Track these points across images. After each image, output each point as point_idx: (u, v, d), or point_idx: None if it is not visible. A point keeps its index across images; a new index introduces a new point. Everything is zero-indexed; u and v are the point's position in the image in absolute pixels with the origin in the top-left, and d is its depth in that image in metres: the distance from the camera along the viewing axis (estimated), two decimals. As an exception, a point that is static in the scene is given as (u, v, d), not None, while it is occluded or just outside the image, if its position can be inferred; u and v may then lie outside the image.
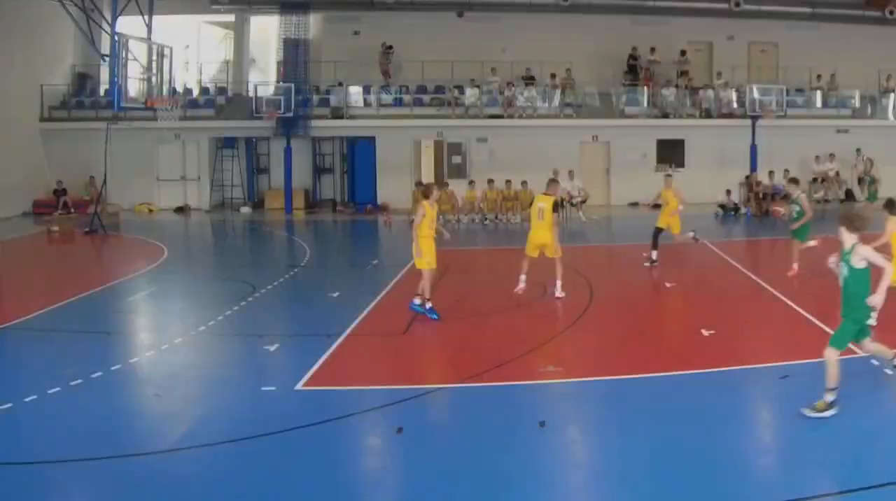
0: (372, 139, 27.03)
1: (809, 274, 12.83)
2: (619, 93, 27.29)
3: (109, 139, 22.15)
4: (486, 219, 23.37)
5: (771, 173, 24.62)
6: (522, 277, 12.33)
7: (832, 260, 7.39)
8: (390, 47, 27.58)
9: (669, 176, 16.48)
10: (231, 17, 28.58)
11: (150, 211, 26.84)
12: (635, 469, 6.30)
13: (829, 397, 7.00)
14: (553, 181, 13.33)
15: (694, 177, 26.79)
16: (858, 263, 7.10)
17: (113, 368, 8.89)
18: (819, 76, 27.41)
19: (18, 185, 25.17)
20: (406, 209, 23.84)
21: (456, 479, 6.24)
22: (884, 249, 8.95)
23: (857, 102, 27.23)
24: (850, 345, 9.14)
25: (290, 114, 25.60)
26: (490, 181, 23.85)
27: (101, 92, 26.44)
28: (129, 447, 6.17)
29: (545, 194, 12.38)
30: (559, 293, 12.21)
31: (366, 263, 14.07)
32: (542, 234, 12.11)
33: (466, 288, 13.53)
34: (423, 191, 12.14)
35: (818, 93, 27.38)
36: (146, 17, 19.74)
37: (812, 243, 13.40)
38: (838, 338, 7.19)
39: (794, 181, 14.59)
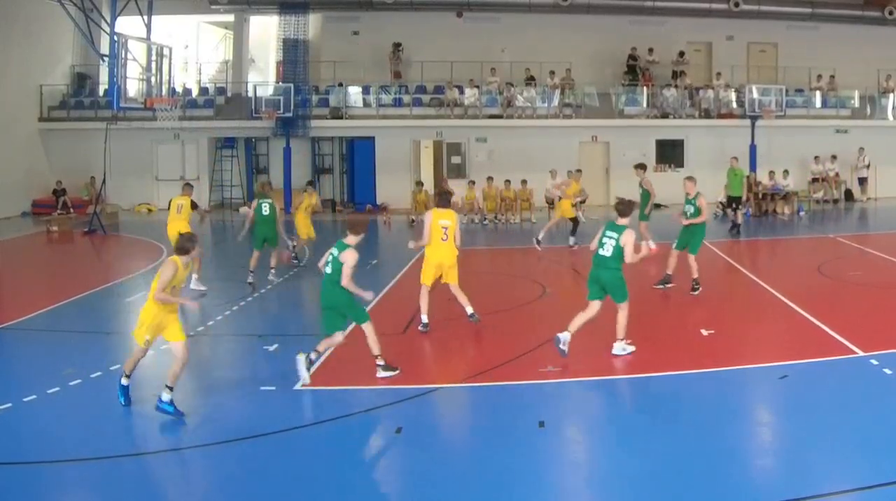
0: (371, 139, 27.02)
1: (809, 275, 12.84)
2: (618, 94, 27.28)
3: (109, 139, 22.12)
4: (485, 219, 23.34)
5: (771, 173, 24.63)
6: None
7: None
8: (399, 45, 27.46)
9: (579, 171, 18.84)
10: (230, 17, 28.56)
11: (150, 211, 26.82)
12: (635, 470, 6.30)
13: None
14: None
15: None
16: None
17: (112, 368, 8.88)
18: (818, 76, 27.42)
19: (18, 185, 25.16)
20: (405, 209, 23.83)
21: (455, 479, 6.24)
22: None
23: (856, 102, 27.26)
24: (849, 345, 9.20)
25: (290, 115, 25.60)
26: (489, 179, 23.84)
27: (101, 92, 26.44)
28: (128, 447, 6.17)
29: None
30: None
31: (365, 263, 14.02)
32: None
33: (466, 288, 13.50)
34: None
35: (817, 94, 27.40)
36: (145, 17, 19.74)
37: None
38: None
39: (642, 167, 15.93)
